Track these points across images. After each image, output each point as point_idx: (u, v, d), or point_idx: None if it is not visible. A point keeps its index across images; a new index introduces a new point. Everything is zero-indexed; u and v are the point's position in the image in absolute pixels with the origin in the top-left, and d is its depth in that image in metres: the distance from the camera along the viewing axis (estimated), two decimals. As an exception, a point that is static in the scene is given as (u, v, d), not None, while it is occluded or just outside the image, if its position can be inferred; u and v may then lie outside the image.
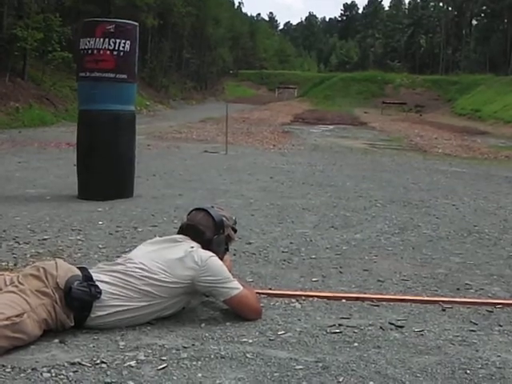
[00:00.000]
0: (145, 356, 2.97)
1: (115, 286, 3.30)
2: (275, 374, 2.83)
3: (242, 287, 3.52)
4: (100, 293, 3.22)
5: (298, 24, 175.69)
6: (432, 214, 7.48)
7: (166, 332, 3.30)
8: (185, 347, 3.09)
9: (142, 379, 2.73)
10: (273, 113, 39.35)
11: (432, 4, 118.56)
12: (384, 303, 3.97)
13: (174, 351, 3.05)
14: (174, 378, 2.76)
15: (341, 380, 2.79)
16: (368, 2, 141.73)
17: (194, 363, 2.92)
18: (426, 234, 6.33)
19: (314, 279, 4.52)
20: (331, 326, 3.48)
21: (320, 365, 2.94)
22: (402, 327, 3.51)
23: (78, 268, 3.38)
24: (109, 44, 7.42)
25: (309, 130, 25.66)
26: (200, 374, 2.80)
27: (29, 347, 3.00)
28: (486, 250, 5.72)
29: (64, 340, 3.11)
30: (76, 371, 2.78)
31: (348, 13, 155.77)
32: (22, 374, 2.72)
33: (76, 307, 3.17)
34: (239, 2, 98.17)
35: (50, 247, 5.14)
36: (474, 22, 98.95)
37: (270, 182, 9.82)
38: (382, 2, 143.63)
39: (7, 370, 2.75)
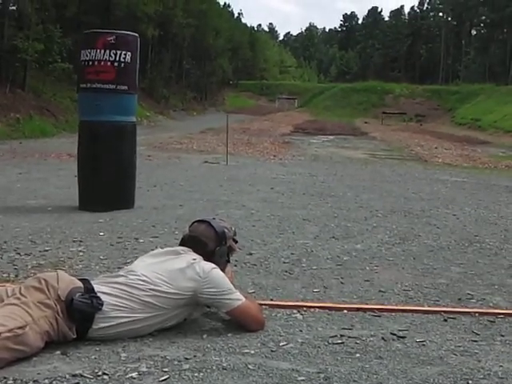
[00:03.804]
0: (147, 367, 2.97)
1: (117, 297, 3.30)
2: (277, 385, 2.83)
3: (244, 298, 3.52)
4: (102, 304, 3.22)
5: (298, 34, 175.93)
6: (433, 223, 7.49)
7: (168, 343, 3.30)
8: (187, 358, 3.09)
9: (143, 391, 2.73)
10: (273, 123, 39.44)
11: (432, 14, 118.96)
12: (385, 314, 3.97)
13: (175, 362, 3.04)
14: (176, 389, 2.76)
15: (343, 391, 2.79)
16: (368, 12, 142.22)
17: (196, 375, 2.91)
18: (427, 243, 6.33)
19: (315, 290, 4.52)
20: (333, 337, 3.47)
21: (322, 376, 2.94)
22: (403, 338, 3.51)
23: (80, 279, 3.38)
24: (109, 55, 7.44)
25: (309, 141, 25.70)
26: (202, 386, 2.80)
27: (31, 359, 2.99)
28: (487, 259, 5.71)
29: (66, 352, 3.11)
30: (78, 383, 2.78)
31: (348, 23, 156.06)
32: (24, 386, 2.72)
33: (78, 319, 3.17)
34: (239, 13, 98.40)
35: (51, 258, 5.14)
36: (474, 32, 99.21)
37: (271, 193, 9.82)
38: (382, 13, 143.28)
39: (9, 381, 2.75)
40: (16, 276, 4.54)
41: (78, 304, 3.15)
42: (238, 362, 3.07)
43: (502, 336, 3.62)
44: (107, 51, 7.43)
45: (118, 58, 7.47)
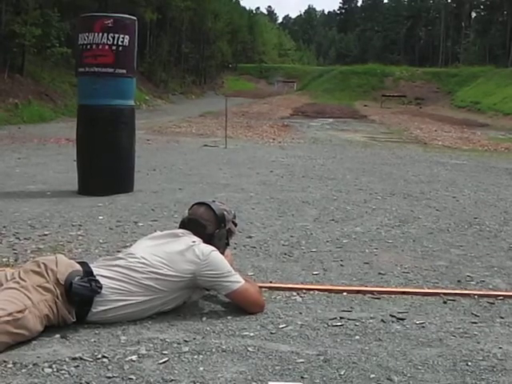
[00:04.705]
0: (146, 350, 2.97)
1: (116, 280, 3.30)
2: (276, 368, 2.83)
3: (243, 281, 3.53)
4: (100, 288, 3.22)
5: (297, 17, 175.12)
6: (432, 206, 7.48)
7: (167, 326, 3.31)
8: (186, 341, 3.10)
9: (143, 373, 2.73)
10: (272, 106, 39.36)
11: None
12: (385, 296, 3.98)
13: (175, 345, 3.05)
14: (176, 371, 2.77)
15: (342, 373, 2.80)
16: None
17: (196, 357, 2.92)
18: (427, 226, 6.33)
19: (314, 272, 4.53)
20: (332, 319, 3.48)
21: (321, 358, 2.95)
22: (403, 320, 3.52)
23: (79, 263, 3.38)
24: (107, 39, 7.40)
25: (308, 124, 25.65)
26: (201, 368, 2.80)
27: (30, 343, 3.00)
28: (486, 241, 5.72)
29: (65, 335, 3.11)
30: (77, 366, 2.78)
31: (347, 6, 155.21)
32: (24, 370, 2.73)
33: (77, 302, 3.17)
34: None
35: (50, 243, 5.14)
36: (474, 14, 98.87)
37: (270, 176, 9.81)
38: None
39: (9, 365, 2.76)
40: (15, 260, 4.55)
41: (77, 287, 3.16)
42: (238, 344, 3.08)
43: (502, 318, 3.63)
44: (105, 35, 7.38)
45: (116, 42, 7.43)
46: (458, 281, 4.44)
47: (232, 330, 3.28)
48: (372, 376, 2.78)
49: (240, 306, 3.53)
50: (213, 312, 3.57)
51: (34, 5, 26.89)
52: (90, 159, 7.71)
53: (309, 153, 13.88)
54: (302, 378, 2.75)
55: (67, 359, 2.85)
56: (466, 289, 4.23)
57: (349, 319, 3.49)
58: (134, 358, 2.89)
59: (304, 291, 4.01)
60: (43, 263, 3.23)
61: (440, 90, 58.88)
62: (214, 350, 3.00)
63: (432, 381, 2.77)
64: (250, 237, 5.57)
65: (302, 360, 2.92)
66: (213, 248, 3.55)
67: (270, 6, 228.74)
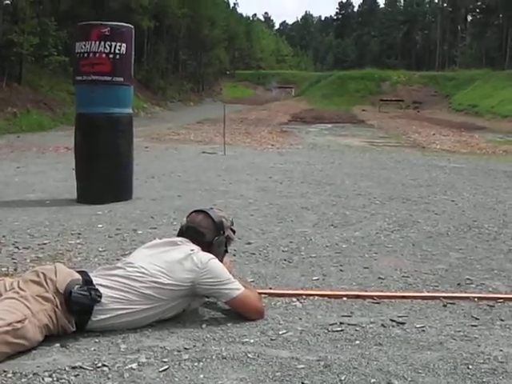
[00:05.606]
0: (146, 358, 2.97)
1: (116, 289, 3.30)
2: (277, 374, 2.83)
3: (243, 288, 3.52)
4: (100, 296, 3.22)
5: (293, 23, 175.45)
6: (431, 210, 7.49)
7: (167, 334, 3.30)
8: (186, 348, 3.09)
9: (143, 381, 2.73)
10: (270, 113, 39.36)
11: (427, 0, 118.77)
12: (385, 300, 3.98)
13: (175, 353, 3.04)
14: (176, 379, 2.76)
15: (343, 378, 2.79)
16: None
17: (196, 364, 2.91)
18: (426, 230, 6.33)
19: (314, 278, 4.53)
20: (332, 325, 3.48)
21: (322, 363, 2.94)
22: (403, 324, 3.51)
23: (78, 272, 3.38)
24: (104, 47, 7.41)
25: (307, 129, 25.65)
26: (202, 375, 2.80)
27: (30, 352, 2.99)
28: (486, 244, 5.72)
29: (65, 344, 3.11)
30: (77, 375, 2.78)
31: (344, 11, 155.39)
32: (24, 379, 2.72)
33: (77, 311, 3.17)
34: (234, 3, 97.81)
35: (49, 251, 5.14)
36: (470, 18, 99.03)
37: (269, 182, 9.81)
38: (378, 0, 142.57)
39: (8, 375, 2.75)
40: (15, 270, 4.54)
41: (76, 296, 3.15)
42: (238, 351, 3.08)
43: (502, 320, 3.63)
44: (102, 43, 7.39)
45: (112, 50, 7.44)
46: (458, 284, 4.44)
47: (232, 336, 3.28)
48: (373, 381, 2.78)
49: (240, 313, 3.53)
50: (213, 319, 3.56)
51: (31, 14, 26.94)
52: (89, 167, 7.72)
53: (307, 158, 13.88)
54: (302, 383, 2.75)
55: (67, 368, 2.84)
56: (465, 292, 4.23)
57: (349, 324, 3.49)
58: (134, 366, 2.88)
59: (304, 297, 4.01)
60: (42, 273, 3.23)
61: (437, 93, 58.96)
62: (214, 357, 2.99)
63: (433, 385, 2.77)
64: (250, 243, 5.56)
65: (302, 366, 2.92)
66: (211, 256, 3.55)
67: (266, 13, 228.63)
